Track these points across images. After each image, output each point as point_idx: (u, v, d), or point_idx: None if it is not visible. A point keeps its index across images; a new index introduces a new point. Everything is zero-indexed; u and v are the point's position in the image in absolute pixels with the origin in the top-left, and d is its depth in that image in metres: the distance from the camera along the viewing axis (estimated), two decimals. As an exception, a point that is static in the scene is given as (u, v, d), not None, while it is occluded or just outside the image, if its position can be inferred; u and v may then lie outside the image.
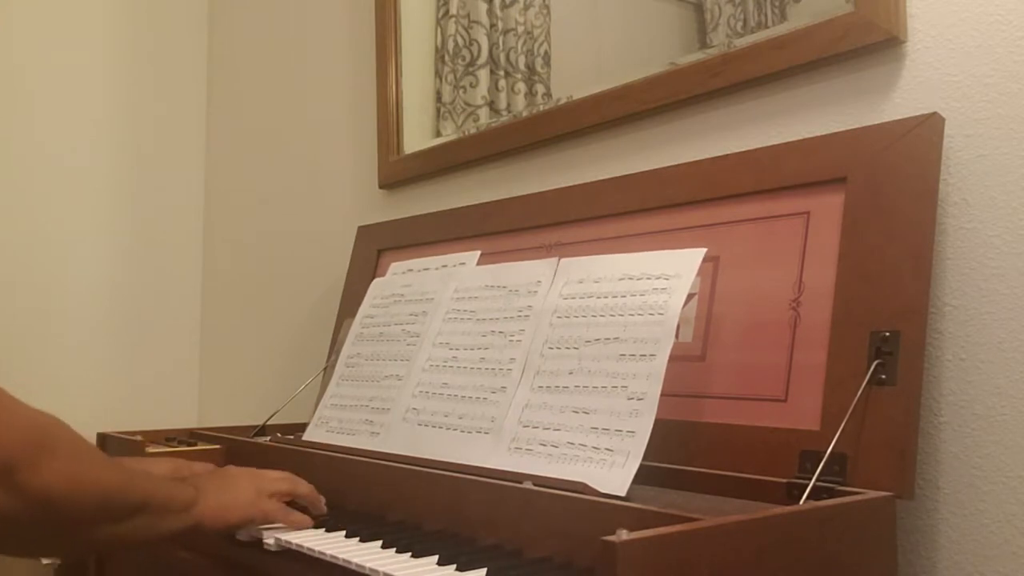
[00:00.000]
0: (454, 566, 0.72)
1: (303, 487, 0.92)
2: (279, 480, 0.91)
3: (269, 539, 0.85)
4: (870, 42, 0.94)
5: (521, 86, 1.42)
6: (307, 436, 1.17)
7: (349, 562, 0.75)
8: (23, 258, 1.93)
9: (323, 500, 0.93)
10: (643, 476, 0.80)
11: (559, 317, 0.96)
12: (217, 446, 1.21)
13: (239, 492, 0.88)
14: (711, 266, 0.97)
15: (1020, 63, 0.86)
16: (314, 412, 1.21)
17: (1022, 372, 0.83)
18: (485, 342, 1.02)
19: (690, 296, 0.94)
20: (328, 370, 1.33)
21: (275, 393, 1.63)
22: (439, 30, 1.54)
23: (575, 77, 1.35)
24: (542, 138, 1.31)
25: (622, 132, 1.22)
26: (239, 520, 0.86)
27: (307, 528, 0.88)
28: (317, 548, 0.79)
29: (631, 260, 0.94)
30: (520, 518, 0.77)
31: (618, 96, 1.20)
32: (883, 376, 0.79)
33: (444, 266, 1.21)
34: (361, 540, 0.81)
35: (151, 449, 1.18)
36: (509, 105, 1.43)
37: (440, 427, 1.00)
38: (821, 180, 0.91)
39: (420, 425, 1.03)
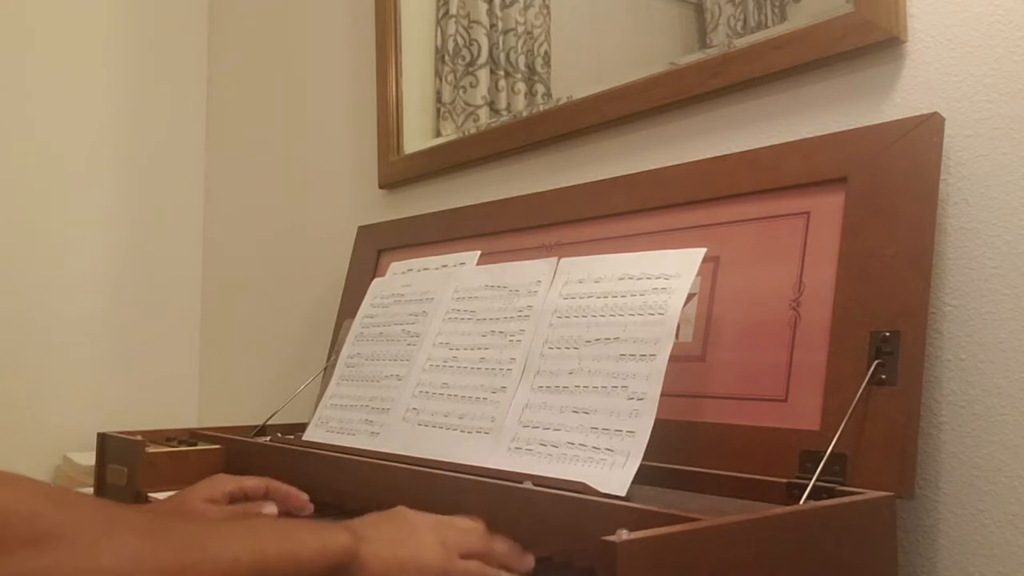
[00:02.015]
0: (454, 566, 0.72)
1: (500, 544, 0.70)
2: (470, 532, 0.70)
3: None
4: (870, 42, 0.94)
5: (521, 86, 1.42)
6: (307, 436, 1.17)
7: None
8: (23, 258, 1.93)
9: (530, 559, 0.71)
10: (643, 476, 0.80)
11: (559, 317, 0.96)
12: (217, 446, 1.21)
13: (423, 547, 0.64)
14: (711, 266, 0.97)
15: (1020, 63, 0.86)
16: (314, 412, 1.21)
17: (1022, 372, 0.83)
18: (485, 342, 1.02)
19: (690, 296, 0.94)
20: (328, 370, 1.32)
21: (275, 393, 1.63)
22: (439, 30, 1.54)
23: (575, 77, 1.35)
24: (542, 138, 1.31)
25: (622, 132, 1.22)
26: None
27: None
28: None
29: (631, 260, 0.94)
30: (520, 518, 0.77)
31: (618, 96, 1.20)
32: (883, 376, 0.79)
33: (444, 266, 1.21)
34: (361, 540, 0.81)
35: (151, 449, 1.18)
36: (509, 105, 1.43)
37: (440, 427, 1.00)
38: (821, 180, 0.91)
39: (420, 425, 1.03)
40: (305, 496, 0.94)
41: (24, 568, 0.46)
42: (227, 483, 0.90)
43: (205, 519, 0.76)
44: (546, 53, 1.40)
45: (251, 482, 0.91)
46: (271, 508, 0.91)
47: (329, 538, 0.60)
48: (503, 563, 0.70)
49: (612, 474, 0.80)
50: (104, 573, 0.49)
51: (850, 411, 0.79)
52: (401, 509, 0.71)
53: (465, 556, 0.68)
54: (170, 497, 0.93)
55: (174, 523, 0.56)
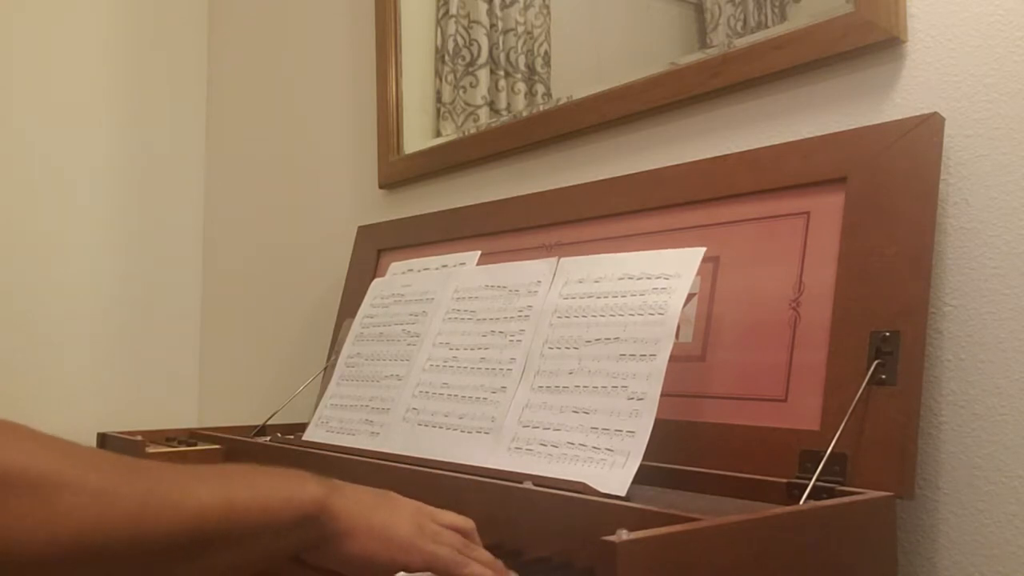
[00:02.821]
0: (454, 566, 0.72)
1: (479, 553, 0.68)
2: (451, 530, 0.68)
3: None
4: (870, 42, 0.94)
5: (521, 86, 1.42)
6: (307, 436, 1.17)
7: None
8: (23, 258, 1.93)
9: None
10: (643, 476, 0.80)
11: (559, 317, 0.96)
12: (217, 446, 1.21)
13: (399, 522, 0.64)
14: (711, 266, 0.97)
15: (1020, 63, 0.86)
16: (314, 412, 1.21)
17: (1022, 372, 0.83)
18: (485, 342, 1.02)
19: (690, 296, 0.94)
20: (328, 370, 1.33)
21: (275, 393, 1.63)
22: (439, 30, 1.54)
23: (575, 77, 1.35)
24: (542, 138, 1.31)
25: (622, 132, 1.22)
26: (390, 559, 0.62)
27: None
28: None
29: (631, 260, 0.94)
30: (520, 518, 0.77)
31: (618, 96, 1.20)
32: (883, 376, 0.79)
33: (444, 266, 1.21)
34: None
35: (151, 449, 1.18)
36: (509, 105, 1.43)
37: (440, 427, 1.00)
38: (821, 180, 0.91)
39: (420, 425, 1.03)
40: None
41: (21, 503, 0.49)
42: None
43: (179, 464, 0.76)
44: (546, 53, 1.40)
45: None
46: None
47: (298, 487, 0.60)
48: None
49: (612, 474, 0.80)
50: (69, 509, 0.50)
51: (850, 411, 0.79)
52: (388, 491, 0.70)
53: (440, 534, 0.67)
54: None
55: (146, 466, 0.57)
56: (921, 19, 0.93)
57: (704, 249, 0.89)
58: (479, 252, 1.18)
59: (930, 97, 0.91)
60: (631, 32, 1.28)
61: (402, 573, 0.63)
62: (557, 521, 0.74)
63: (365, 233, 1.53)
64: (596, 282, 0.95)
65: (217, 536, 0.55)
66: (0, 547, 0.48)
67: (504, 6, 1.45)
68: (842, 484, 0.77)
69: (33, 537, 0.49)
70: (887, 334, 0.80)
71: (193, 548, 0.54)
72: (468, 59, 1.49)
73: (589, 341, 0.91)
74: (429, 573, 0.63)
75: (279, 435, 1.30)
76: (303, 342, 1.82)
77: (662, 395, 0.82)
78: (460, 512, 0.82)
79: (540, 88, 1.40)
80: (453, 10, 1.51)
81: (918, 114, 0.86)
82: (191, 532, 0.54)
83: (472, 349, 1.03)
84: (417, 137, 1.57)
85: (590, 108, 1.24)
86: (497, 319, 1.03)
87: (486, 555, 0.68)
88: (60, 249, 1.98)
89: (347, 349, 1.22)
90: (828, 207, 0.90)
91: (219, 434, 1.26)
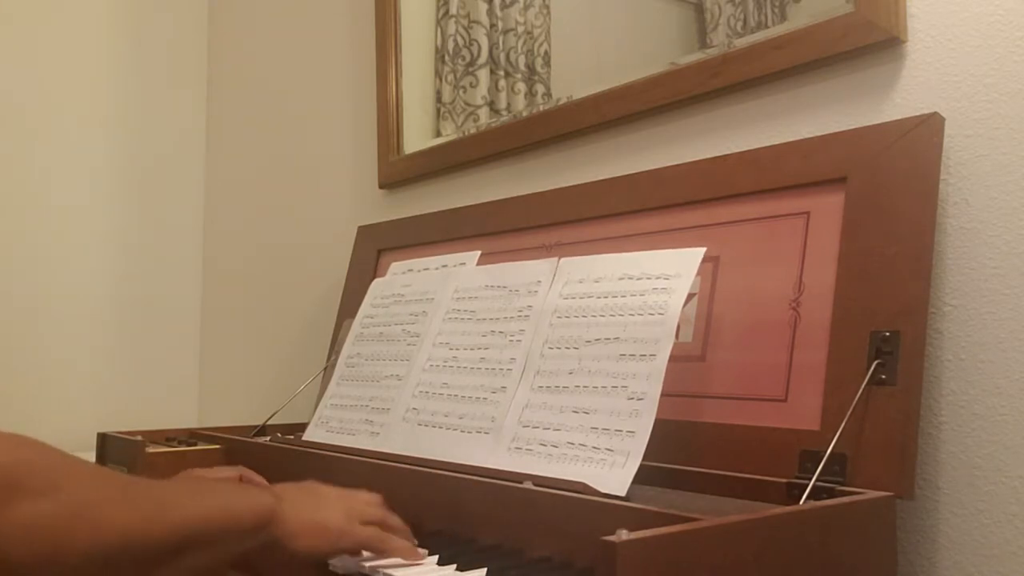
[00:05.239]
0: (454, 566, 0.73)
1: (393, 520, 0.81)
2: (371, 505, 0.82)
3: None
4: (870, 42, 0.94)
5: (521, 86, 1.42)
6: (307, 436, 1.17)
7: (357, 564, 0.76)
8: (24, 258, 1.93)
9: (415, 541, 0.80)
10: (643, 476, 0.80)
11: (559, 317, 0.96)
12: (217, 446, 1.21)
13: (330, 513, 0.77)
14: (711, 266, 0.97)
15: (1020, 63, 0.86)
16: (314, 412, 1.21)
17: (1022, 372, 0.83)
18: (485, 342, 1.02)
19: (690, 296, 0.94)
20: (328, 370, 1.33)
21: (275, 393, 1.63)
22: (439, 30, 1.54)
23: (575, 77, 1.35)
24: (542, 138, 1.31)
25: (622, 132, 1.22)
26: (330, 548, 0.76)
27: (415, 556, 0.77)
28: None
29: (631, 260, 0.94)
30: (520, 518, 0.77)
31: (618, 96, 1.20)
32: (883, 376, 0.79)
33: (444, 266, 1.21)
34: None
35: (151, 449, 1.18)
36: (509, 105, 1.43)
37: (440, 427, 1.00)
38: (821, 180, 0.91)
39: (420, 425, 1.03)
40: None
41: (35, 510, 0.59)
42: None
43: (164, 481, 0.86)
44: (546, 53, 1.40)
45: (226, 473, 0.97)
46: None
47: (257, 499, 0.74)
48: (396, 532, 0.80)
49: (612, 474, 0.80)
50: (89, 520, 0.61)
51: (850, 411, 0.79)
52: (312, 482, 0.84)
53: (365, 524, 0.78)
54: None
55: (145, 485, 0.70)
56: (921, 19, 0.93)
57: (704, 249, 0.89)
58: (479, 252, 1.18)
59: (930, 97, 0.91)
60: (631, 32, 1.28)
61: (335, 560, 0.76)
62: (557, 521, 0.75)
63: (365, 233, 1.53)
64: (596, 282, 0.95)
65: (194, 542, 0.67)
66: (13, 549, 0.57)
67: (504, 6, 1.45)
68: (842, 484, 0.77)
69: (53, 540, 0.59)
70: (887, 334, 0.80)
71: (174, 553, 0.65)
72: (468, 59, 1.49)
73: (589, 341, 0.91)
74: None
75: (279, 435, 1.30)
76: (303, 342, 1.82)
77: (662, 395, 0.82)
78: (459, 512, 0.83)
79: (540, 88, 1.40)
80: (453, 10, 1.51)
81: (918, 114, 0.86)
82: (176, 539, 0.65)
83: (472, 349, 1.03)
84: (417, 137, 1.57)
85: (590, 108, 1.24)
86: (497, 319, 1.03)
87: (397, 522, 0.81)
88: (61, 250, 1.98)
89: (347, 349, 1.23)
90: (828, 207, 0.90)
91: (219, 434, 1.26)
